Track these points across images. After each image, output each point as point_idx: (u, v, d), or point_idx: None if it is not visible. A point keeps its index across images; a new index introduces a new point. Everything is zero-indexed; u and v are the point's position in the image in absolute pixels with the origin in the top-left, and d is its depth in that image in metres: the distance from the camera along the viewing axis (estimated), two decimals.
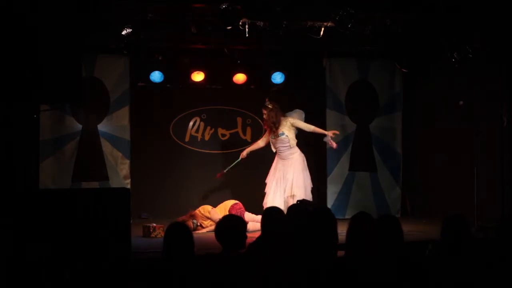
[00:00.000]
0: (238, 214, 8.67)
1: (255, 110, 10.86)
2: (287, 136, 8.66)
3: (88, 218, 5.57)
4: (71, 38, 6.32)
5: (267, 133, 8.96)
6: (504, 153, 8.61)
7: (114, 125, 10.00)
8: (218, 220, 8.03)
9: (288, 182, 8.60)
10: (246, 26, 8.31)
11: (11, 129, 6.59)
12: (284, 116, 8.79)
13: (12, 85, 6.05)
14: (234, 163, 9.26)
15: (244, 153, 9.15)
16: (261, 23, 8.29)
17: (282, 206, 8.23)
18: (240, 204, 8.98)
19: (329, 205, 10.37)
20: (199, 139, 10.84)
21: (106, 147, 9.97)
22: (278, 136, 8.68)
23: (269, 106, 8.71)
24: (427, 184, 10.53)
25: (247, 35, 8.35)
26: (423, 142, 10.64)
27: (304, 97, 10.94)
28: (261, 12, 8.16)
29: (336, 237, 4.31)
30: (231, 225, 4.48)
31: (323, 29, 8.59)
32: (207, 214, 8.86)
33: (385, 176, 10.66)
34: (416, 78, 10.54)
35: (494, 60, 8.80)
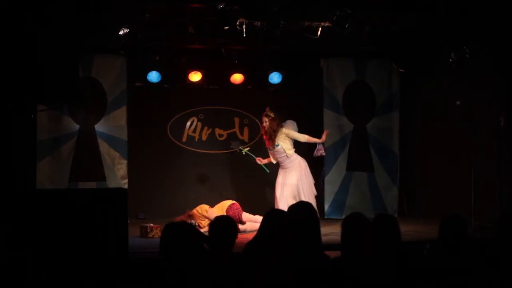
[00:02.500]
0: (236, 215, 8.68)
1: (253, 110, 10.88)
2: (281, 147, 8.74)
3: (85, 218, 5.56)
4: (69, 38, 6.31)
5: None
6: (502, 153, 8.62)
7: (111, 125, 10.00)
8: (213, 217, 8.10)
9: (290, 187, 8.66)
10: (244, 26, 8.30)
11: (8, 129, 6.57)
12: (281, 126, 8.85)
13: (9, 85, 6.04)
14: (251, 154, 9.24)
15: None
16: (259, 23, 8.29)
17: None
18: (237, 204, 8.97)
19: (326, 205, 10.40)
20: (196, 139, 10.83)
21: (103, 147, 9.97)
22: (274, 148, 8.77)
23: (270, 114, 8.77)
24: (425, 184, 10.54)
25: (244, 35, 8.34)
26: (421, 142, 10.66)
27: (301, 97, 10.96)
28: (259, 12, 8.16)
29: (318, 234, 4.31)
30: (224, 226, 4.49)
31: (320, 29, 8.59)
32: (205, 214, 8.86)
33: (382, 176, 10.67)
34: (414, 78, 10.55)
35: (492, 60, 8.81)
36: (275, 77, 10.67)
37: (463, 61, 8.61)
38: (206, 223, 8.82)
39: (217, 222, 4.54)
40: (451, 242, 4.44)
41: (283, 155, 8.76)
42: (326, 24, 8.45)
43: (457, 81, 9.24)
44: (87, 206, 5.65)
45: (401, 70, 10.20)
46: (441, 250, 4.46)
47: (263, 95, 10.92)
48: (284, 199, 8.56)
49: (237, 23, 8.17)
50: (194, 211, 8.95)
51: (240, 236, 4.65)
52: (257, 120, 10.84)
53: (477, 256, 4.40)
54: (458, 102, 8.49)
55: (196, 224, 8.80)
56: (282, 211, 4.80)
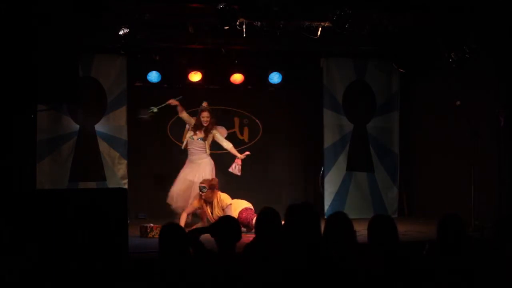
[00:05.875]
0: (248, 218, 8.55)
1: (253, 110, 10.88)
2: (205, 142, 9.14)
3: (85, 218, 5.56)
4: (69, 38, 6.31)
5: (190, 130, 9.25)
6: (501, 153, 8.62)
7: (112, 125, 10.00)
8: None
9: (195, 184, 8.95)
10: (244, 26, 8.30)
11: (8, 129, 6.57)
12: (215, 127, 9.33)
13: (9, 85, 6.04)
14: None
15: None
16: (259, 23, 8.28)
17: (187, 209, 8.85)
18: (253, 210, 8.81)
19: (326, 205, 10.39)
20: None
21: (103, 147, 9.96)
22: (197, 140, 9.13)
23: (209, 108, 9.20)
24: (425, 184, 10.54)
25: (244, 35, 8.34)
26: (421, 142, 10.66)
27: (301, 97, 10.98)
28: (259, 12, 8.16)
29: (319, 233, 4.33)
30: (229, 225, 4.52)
31: (320, 29, 8.59)
32: (223, 204, 8.74)
33: (382, 176, 10.67)
34: (414, 78, 10.56)
35: (492, 60, 8.81)
36: (275, 77, 10.66)
37: (463, 61, 8.60)
38: (217, 212, 8.74)
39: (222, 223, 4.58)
40: (449, 242, 4.44)
41: (200, 149, 9.13)
42: (326, 24, 8.45)
43: (457, 81, 9.23)
44: (87, 206, 5.64)
45: (401, 70, 10.21)
46: (440, 250, 4.46)
47: (263, 95, 10.93)
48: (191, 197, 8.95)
49: (237, 23, 8.17)
50: (219, 194, 8.83)
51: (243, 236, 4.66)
52: (257, 120, 10.85)
53: (476, 256, 4.41)
54: (458, 102, 8.48)
55: (206, 199, 8.71)
56: (273, 209, 4.76)
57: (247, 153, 9.35)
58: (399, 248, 4.33)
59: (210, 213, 8.75)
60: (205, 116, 9.14)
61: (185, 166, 9.28)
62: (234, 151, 9.30)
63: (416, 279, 4.20)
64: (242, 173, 9.70)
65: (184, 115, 9.30)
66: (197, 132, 9.16)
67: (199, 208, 8.84)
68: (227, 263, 4.25)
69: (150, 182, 10.53)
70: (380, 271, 4.12)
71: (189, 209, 8.88)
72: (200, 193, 8.71)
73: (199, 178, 8.93)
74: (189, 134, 9.22)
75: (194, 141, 9.17)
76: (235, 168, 9.15)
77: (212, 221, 8.72)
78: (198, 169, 9.12)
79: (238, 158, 9.18)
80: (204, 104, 9.22)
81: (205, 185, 8.69)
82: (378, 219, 4.45)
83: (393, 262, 4.20)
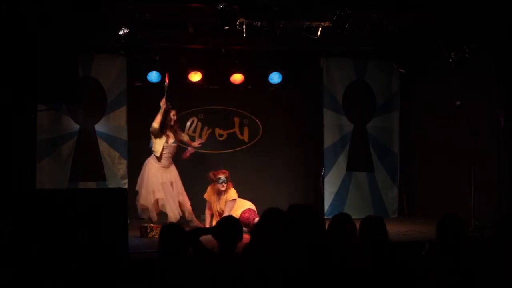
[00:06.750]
0: (249, 218, 8.58)
1: (253, 110, 10.87)
2: (175, 146, 8.93)
3: (85, 218, 5.56)
4: (69, 38, 6.31)
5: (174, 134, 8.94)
6: (501, 153, 8.63)
7: (112, 125, 10.01)
8: (226, 213, 8.10)
9: (177, 186, 8.88)
10: (244, 26, 8.31)
11: (8, 129, 6.58)
12: None
13: (9, 85, 6.04)
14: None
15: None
16: (259, 23, 8.28)
17: (177, 209, 8.67)
18: (255, 211, 8.84)
19: (326, 205, 10.39)
20: (196, 139, 10.81)
21: (103, 147, 9.97)
22: (171, 143, 8.83)
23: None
24: (425, 184, 10.54)
25: (244, 35, 8.34)
26: (421, 142, 10.66)
27: (301, 97, 10.97)
28: (259, 12, 8.16)
29: (319, 233, 4.33)
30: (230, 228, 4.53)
31: (320, 29, 8.60)
32: (228, 198, 8.78)
33: (382, 176, 10.68)
34: (414, 78, 10.56)
35: (492, 60, 8.81)
36: (275, 77, 10.66)
37: (463, 61, 8.60)
38: (221, 205, 8.77)
39: (224, 223, 4.59)
40: (449, 242, 4.45)
41: (172, 153, 8.89)
42: (326, 24, 8.45)
43: (457, 81, 9.24)
44: (87, 206, 5.65)
45: (401, 70, 10.20)
46: (440, 250, 4.47)
47: (263, 95, 10.92)
48: (177, 197, 8.79)
49: (237, 23, 8.18)
50: (230, 184, 8.90)
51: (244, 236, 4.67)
52: (257, 120, 10.84)
53: (476, 256, 4.41)
54: (458, 102, 8.49)
55: (222, 186, 8.78)
56: (278, 209, 4.76)
57: (201, 140, 9.52)
58: (389, 248, 4.36)
59: (215, 205, 8.81)
60: (175, 114, 8.88)
61: (153, 173, 8.81)
62: (190, 141, 9.38)
63: (416, 279, 4.21)
64: (242, 173, 9.74)
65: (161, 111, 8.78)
66: (169, 134, 8.82)
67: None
68: (227, 263, 4.26)
69: None
70: (376, 271, 4.12)
71: (209, 206, 9.01)
72: (222, 184, 8.79)
73: (173, 180, 8.86)
74: (162, 140, 8.77)
75: (169, 146, 8.81)
76: (188, 155, 9.23)
77: (216, 214, 8.80)
78: (169, 171, 8.89)
79: (192, 147, 9.25)
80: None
81: (225, 177, 8.77)
82: (368, 220, 4.50)
83: (386, 262, 4.21)
